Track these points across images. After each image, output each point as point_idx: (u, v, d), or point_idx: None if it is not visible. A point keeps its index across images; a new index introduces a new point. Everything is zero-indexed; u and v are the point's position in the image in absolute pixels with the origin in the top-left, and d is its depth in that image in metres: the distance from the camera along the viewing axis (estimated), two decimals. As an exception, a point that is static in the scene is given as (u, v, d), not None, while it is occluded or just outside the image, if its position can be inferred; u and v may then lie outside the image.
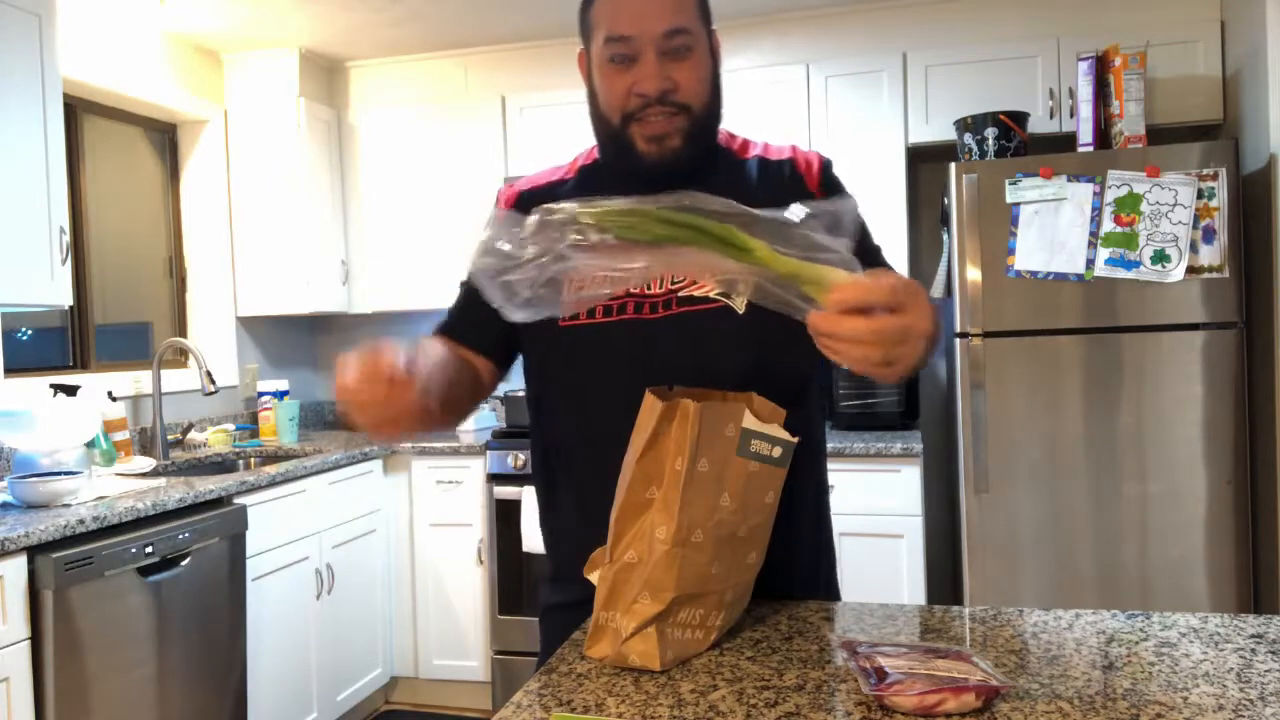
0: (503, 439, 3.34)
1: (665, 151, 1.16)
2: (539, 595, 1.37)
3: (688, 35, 1.14)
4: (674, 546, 0.99)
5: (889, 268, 1.21)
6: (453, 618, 3.41)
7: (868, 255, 1.21)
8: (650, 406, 1.02)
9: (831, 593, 1.33)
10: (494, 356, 1.30)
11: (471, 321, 1.27)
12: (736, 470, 1.02)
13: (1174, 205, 2.68)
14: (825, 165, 1.28)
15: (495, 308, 1.11)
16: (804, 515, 1.27)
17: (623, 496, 1.03)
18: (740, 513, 1.03)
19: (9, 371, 2.84)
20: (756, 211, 0.93)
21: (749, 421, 1.03)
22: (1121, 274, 2.72)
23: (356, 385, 1.02)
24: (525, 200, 1.28)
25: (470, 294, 1.28)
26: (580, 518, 1.24)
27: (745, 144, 1.31)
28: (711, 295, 1.16)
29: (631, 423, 1.07)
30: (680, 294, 1.17)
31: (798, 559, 1.27)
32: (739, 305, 1.16)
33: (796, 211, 0.94)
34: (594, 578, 1.06)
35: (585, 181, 1.28)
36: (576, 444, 1.24)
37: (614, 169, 1.24)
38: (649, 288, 1.18)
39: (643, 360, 1.17)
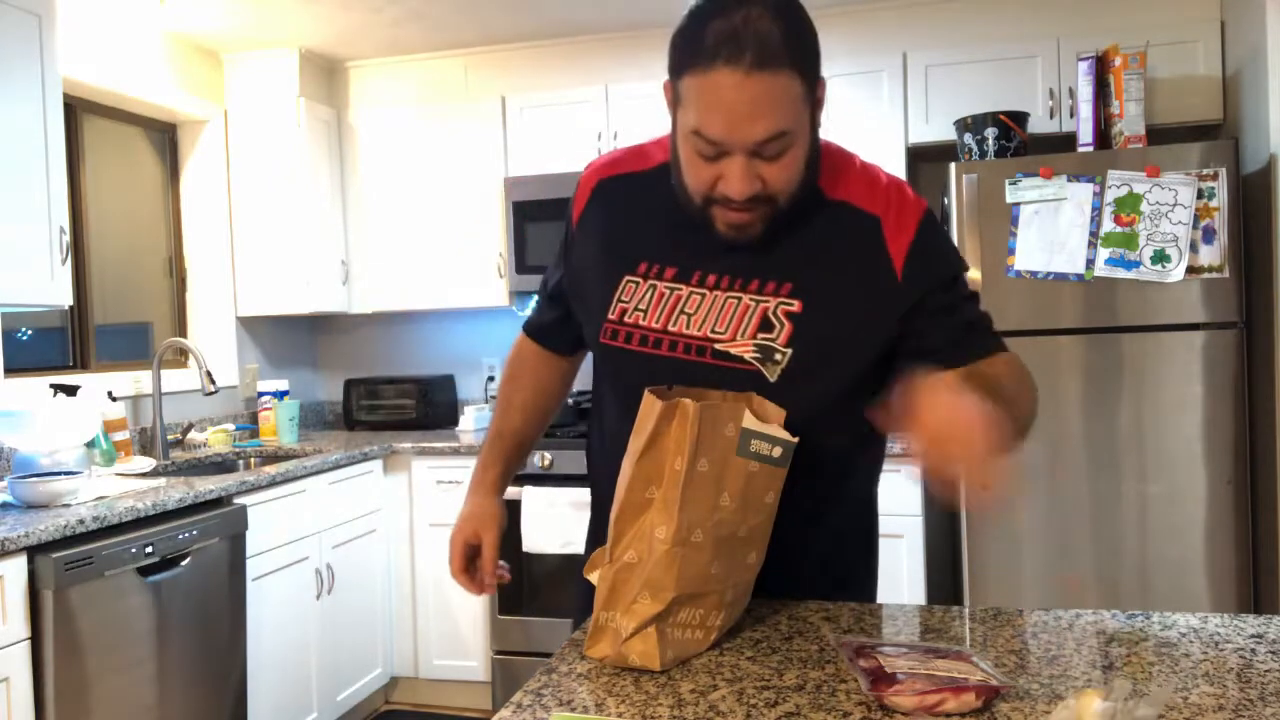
0: (503, 439, 3.33)
1: (744, 236, 1.11)
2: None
3: (784, 137, 1.03)
4: (674, 546, 0.99)
5: (983, 334, 1.17)
6: (453, 618, 3.41)
7: (950, 322, 1.15)
8: (649, 406, 1.02)
9: (868, 593, 1.35)
10: (580, 347, 1.43)
11: (558, 326, 1.41)
12: (736, 470, 1.02)
13: (1174, 205, 2.68)
14: (920, 234, 1.13)
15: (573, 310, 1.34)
16: (842, 516, 1.28)
17: (622, 496, 1.03)
18: (740, 513, 1.03)
19: (9, 371, 2.84)
20: None
21: (749, 421, 1.03)
22: (1121, 274, 2.72)
23: (457, 577, 1.35)
24: (603, 188, 1.28)
25: (550, 299, 1.41)
26: (602, 518, 1.27)
27: (837, 175, 1.17)
28: (747, 357, 1.13)
29: None
30: (717, 346, 1.14)
31: (831, 559, 1.28)
32: (771, 374, 1.12)
33: None
34: (594, 578, 1.06)
35: (667, 186, 1.18)
36: (599, 450, 1.32)
37: None
38: (687, 326, 1.16)
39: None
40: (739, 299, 1.14)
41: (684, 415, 0.99)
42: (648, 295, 1.18)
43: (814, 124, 1.10)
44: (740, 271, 1.15)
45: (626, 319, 1.19)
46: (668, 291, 1.17)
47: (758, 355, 1.13)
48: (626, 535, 1.02)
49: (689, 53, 1.03)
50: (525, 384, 1.45)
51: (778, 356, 1.12)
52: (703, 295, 1.16)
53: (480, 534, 1.34)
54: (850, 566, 1.32)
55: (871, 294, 1.12)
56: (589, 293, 1.26)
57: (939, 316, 1.14)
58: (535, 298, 1.46)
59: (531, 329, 1.45)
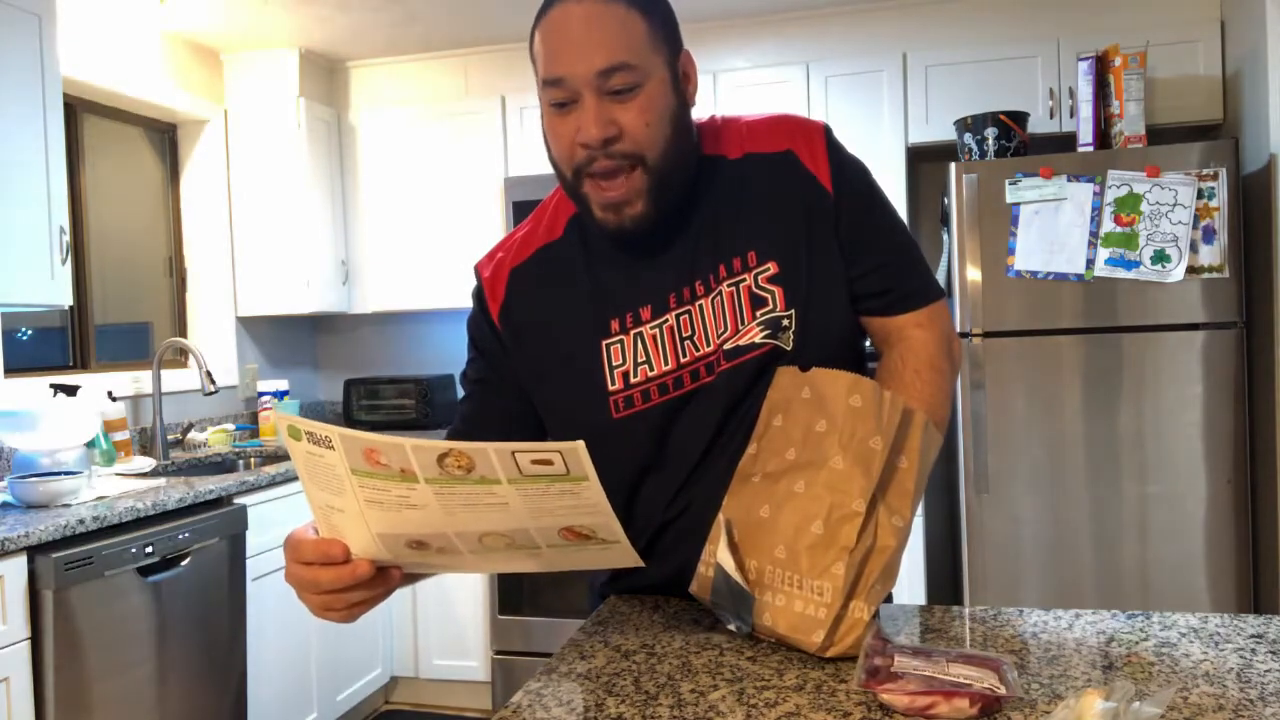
0: (503, 439, 3.33)
1: (625, 219, 1.06)
2: (596, 580, 1.27)
3: (630, 71, 1.01)
4: (906, 537, 1.01)
5: (901, 248, 1.17)
6: (453, 618, 3.41)
7: (869, 235, 1.14)
8: (891, 401, 0.99)
9: None
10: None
11: (487, 422, 1.20)
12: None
13: (1174, 205, 2.68)
14: (831, 150, 1.14)
15: (510, 399, 1.18)
16: None
17: (864, 483, 0.98)
18: None
19: (9, 371, 2.84)
20: None
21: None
22: (1121, 274, 2.72)
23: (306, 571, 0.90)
24: (520, 275, 1.19)
25: (477, 392, 1.23)
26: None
27: (731, 136, 1.15)
28: (758, 340, 1.09)
29: (701, 483, 1.12)
30: (726, 347, 1.10)
31: None
32: (787, 343, 1.09)
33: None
34: (822, 573, 0.99)
35: (585, 239, 1.17)
36: (644, 513, 1.18)
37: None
38: (695, 349, 1.11)
39: (689, 425, 1.12)
40: (721, 292, 1.10)
41: (919, 426, 1.00)
42: (639, 345, 1.12)
43: (678, 88, 1.08)
44: (706, 267, 1.11)
45: (634, 380, 1.12)
46: (658, 331, 1.12)
47: (768, 332, 1.09)
48: (871, 521, 0.99)
49: (533, 24, 1.06)
50: None
51: (785, 322, 1.09)
52: (689, 311, 1.11)
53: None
54: None
55: (819, 218, 1.11)
56: (558, 384, 1.17)
57: (866, 228, 1.14)
58: (460, 403, 1.24)
59: (460, 435, 1.21)
